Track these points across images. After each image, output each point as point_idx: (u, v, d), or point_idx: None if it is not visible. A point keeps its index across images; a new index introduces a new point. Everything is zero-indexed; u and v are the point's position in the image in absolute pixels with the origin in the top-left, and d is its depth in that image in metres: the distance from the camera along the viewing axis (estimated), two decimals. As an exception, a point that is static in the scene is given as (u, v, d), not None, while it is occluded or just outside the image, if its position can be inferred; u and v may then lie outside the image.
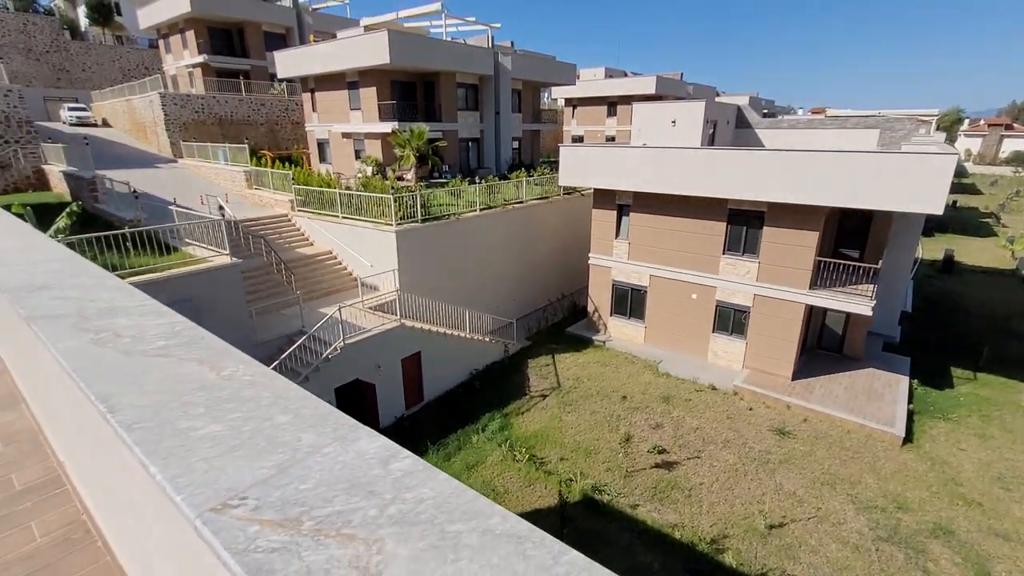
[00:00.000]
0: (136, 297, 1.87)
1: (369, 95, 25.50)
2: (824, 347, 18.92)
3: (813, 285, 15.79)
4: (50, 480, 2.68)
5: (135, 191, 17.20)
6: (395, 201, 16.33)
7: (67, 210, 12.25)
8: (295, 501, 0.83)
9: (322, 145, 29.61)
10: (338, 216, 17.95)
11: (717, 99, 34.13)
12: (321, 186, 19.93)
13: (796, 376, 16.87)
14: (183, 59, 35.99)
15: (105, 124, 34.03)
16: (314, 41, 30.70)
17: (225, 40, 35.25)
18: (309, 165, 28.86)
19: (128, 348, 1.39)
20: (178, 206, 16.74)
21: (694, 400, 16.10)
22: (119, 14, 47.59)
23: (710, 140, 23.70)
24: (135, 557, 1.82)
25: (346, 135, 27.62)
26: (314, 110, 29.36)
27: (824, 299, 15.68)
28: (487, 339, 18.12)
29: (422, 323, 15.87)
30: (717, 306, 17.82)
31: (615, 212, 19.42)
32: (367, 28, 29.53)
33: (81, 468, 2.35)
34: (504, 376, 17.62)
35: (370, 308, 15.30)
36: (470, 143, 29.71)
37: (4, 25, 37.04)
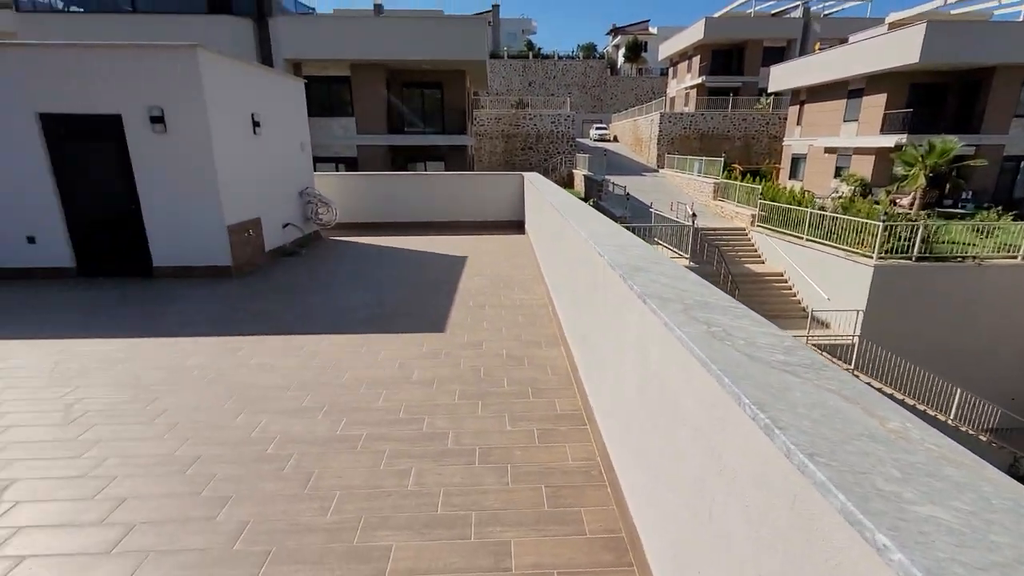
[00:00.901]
0: (717, 294, 1.94)
1: (873, 103, 21.71)
2: None
3: None
4: (576, 415, 3.38)
5: (628, 194, 20.85)
6: (884, 229, 13.35)
7: (588, 203, 15.99)
8: None
9: (796, 160, 27.59)
10: (802, 237, 16.30)
11: None
12: (789, 203, 18.57)
13: None
14: (684, 82, 40.68)
15: (615, 140, 42.85)
16: (819, 49, 28.46)
17: (724, 60, 37.46)
18: (777, 180, 27.51)
19: (750, 353, 1.37)
20: (655, 209, 19.22)
21: None
22: (645, 51, 58.23)
23: None
24: (654, 528, 1.94)
25: (829, 150, 24.66)
26: (797, 123, 27.54)
27: None
28: (983, 437, 12.72)
29: (883, 383, 12.62)
30: None
31: None
32: (892, 25, 24.92)
33: (606, 414, 2.79)
34: (1001, 501, 11.99)
35: (815, 346, 13.31)
36: (1021, 163, 21.01)
37: (573, 69, 51.82)
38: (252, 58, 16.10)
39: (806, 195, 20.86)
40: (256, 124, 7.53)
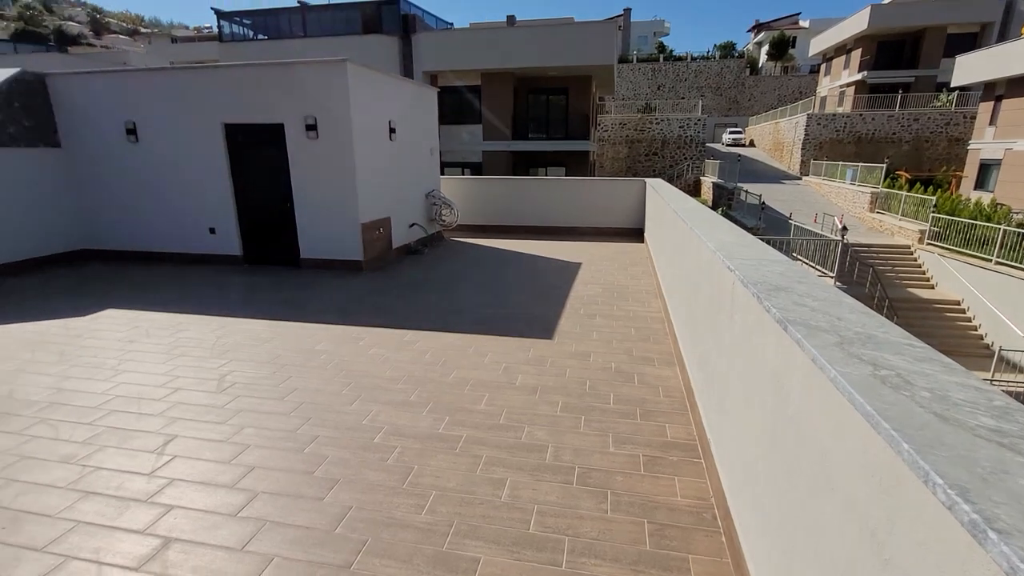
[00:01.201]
0: (887, 327, 1.56)
1: (1111, 96, 17.22)
2: None
3: None
4: (690, 446, 3.04)
5: (763, 203, 19.00)
6: (1119, 255, 10.47)
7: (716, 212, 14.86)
8: None
9: (987, 167, 22.93)
10: (990, 260, 13.46)
11: None
12: (974, 218, 15.46)
13: None
14: (839, 79, 36.13)
15: (751, 144, 39.47)
16: (1028, 32, 23.35)
17: (892, 53, 32.52)
18: (956, 190, 23.17)
19: (940, 412, 1.04)
20: (795, 221, 17.27)
21: None
22: (792, 47, 52.84)
23: None
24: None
25: (1037, 154, 20.09)
26: (991, 123, 22.87)
27: None
28: None
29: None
30: None
31: None
32: None
33: (725, 451, 2.44)
34: None
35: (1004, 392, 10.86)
36: None
37: (708, 70, 48.74)
38: (396, 71, 17.58)
39: (999, 209, 17.26)
40: (392, 130, 8.12)
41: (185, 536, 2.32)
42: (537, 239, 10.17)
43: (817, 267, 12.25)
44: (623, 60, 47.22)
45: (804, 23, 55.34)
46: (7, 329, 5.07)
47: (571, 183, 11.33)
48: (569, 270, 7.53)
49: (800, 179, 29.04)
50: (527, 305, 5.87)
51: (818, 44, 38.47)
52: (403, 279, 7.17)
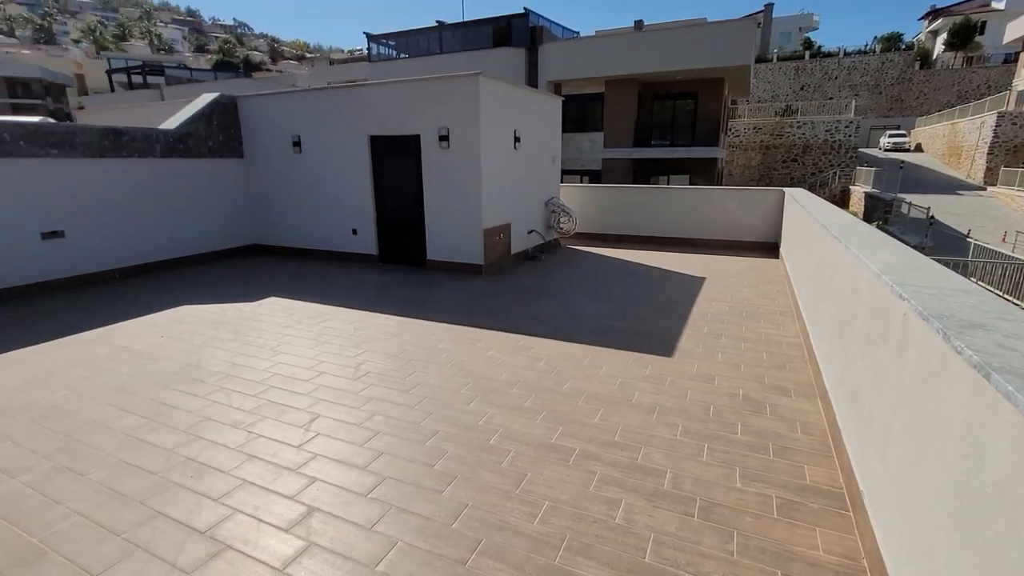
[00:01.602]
0: None
1: None
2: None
3: None
4: (835, 494, 2.67)
5: (932, 217, 16.28)
6: None
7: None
8: None
9: None
10: None
11: None
12: None
13: None
14: (1047, 69, 29.72)
15: (917, 149, 34.06)
16: None
17: None
18: None
19: None
20: (974, 239, 14.55)
21: None
22: (980, 33, 44.65)
23: None
24: None
25: None
26: None
27: None
28: None
29: None
30: None
31: None
32: None
33: (884, 506, 2.10)
34: None
35: None
36: None
37: (865, 66, 43.08)
38: (522, 81, 18.12)
39: None
40: (517, 139, 8.36)
41: (325, 508, 2.58)
42: (657, 250, 9.77)
43: (1006, 296, 10.17)
44: (761, 59, 43.66)
45: (998, 4, 46.46)
46: (201, 309, 6.12)
47: (696, 192, 10.71)
48: (692, 284, 7.11)
49: (984, 189, 24.40)
50: (645, 318, 5.65)
51: (1018, 28, 32.02)
52: (520, 284, 7.32)
